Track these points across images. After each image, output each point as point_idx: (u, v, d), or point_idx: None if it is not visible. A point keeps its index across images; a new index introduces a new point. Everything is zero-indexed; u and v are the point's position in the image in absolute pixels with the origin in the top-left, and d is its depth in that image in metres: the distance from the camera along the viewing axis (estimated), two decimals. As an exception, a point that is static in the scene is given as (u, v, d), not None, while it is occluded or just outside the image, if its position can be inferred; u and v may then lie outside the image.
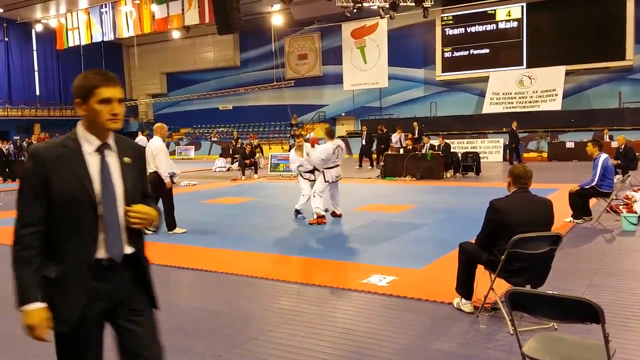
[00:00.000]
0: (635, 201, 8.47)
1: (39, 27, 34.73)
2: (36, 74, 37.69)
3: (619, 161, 11.96)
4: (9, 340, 4.11)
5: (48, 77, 38.18)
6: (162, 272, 6.08)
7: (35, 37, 36.88)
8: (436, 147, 16.87)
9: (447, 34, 30.23)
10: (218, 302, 5.03)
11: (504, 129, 22.76)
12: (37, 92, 37.69)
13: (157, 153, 7.81)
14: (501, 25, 28.88)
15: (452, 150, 17.48)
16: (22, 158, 21.37)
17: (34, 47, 37.43)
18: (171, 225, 8.16)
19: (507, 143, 22.25)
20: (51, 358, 3.82)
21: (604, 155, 8.35)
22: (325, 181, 8.97)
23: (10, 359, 3.85)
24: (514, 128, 20.78)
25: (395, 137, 20.42)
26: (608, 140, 20.14)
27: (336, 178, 9.07)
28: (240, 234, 7.87)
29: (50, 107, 37.46)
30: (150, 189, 2.47)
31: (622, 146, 12.98)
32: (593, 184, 8.20)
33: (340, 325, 4.24)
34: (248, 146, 19.16)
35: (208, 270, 6.06)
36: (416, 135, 19.91)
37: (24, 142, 23.88)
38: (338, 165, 9.10)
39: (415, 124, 21.04)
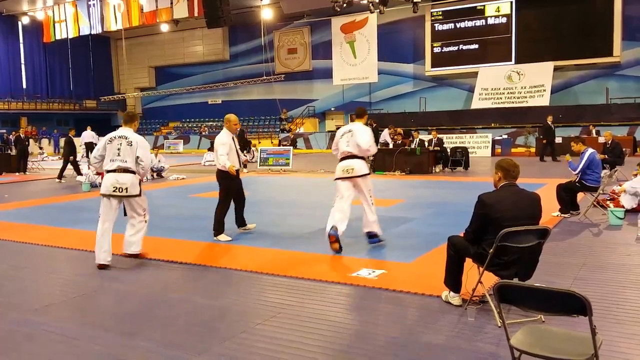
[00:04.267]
0: (623, 191, 8.54)
1: (25, 20, 34.35)
2: (23, 67, 37.30)
3: (606, 156, 12.07)
4: (7, 340, 4.09)
5: (35, 70, 37.80)
6: (152, 266, 6.06)
7: (21, 29, 36.46)
8: (427, 143, 16.87)
9: (436, 29, 30.30)
10: (207, 296, 5.02)
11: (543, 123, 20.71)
12: (24, 86, 37.30)
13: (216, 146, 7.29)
14: (490, 21, 29.01)
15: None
16: (9, 152, 21.10)
17: (21, 40, 37.02)
18: (218, 228, 7.23)
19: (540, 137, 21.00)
20: (44, 353, 3.78)
21: (590, 150, 8.45)
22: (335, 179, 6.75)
23: (6, 354, 3.82)
24: (549, 122, 19.33)
25: (384, 134, 20.39)
26: (595, 135, 20.28)
27: (345, 173, 6.58)
28: (228, 228, 7.84)
29: (37, 101, 37.09)
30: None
31: (609, 142, 13.08)
32: (575, 172, 8.34)
33: (330, 319, 4.24)
34: None
35: (197, 263, 6.04)
36: (400, 130, 19.83)
37: (11, 135, 23.59)
38: (349, 157, 6.59)
39: (390, 126, 20.79)
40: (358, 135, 6.54)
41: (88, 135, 24.11)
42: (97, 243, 5.88)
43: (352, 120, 7.16)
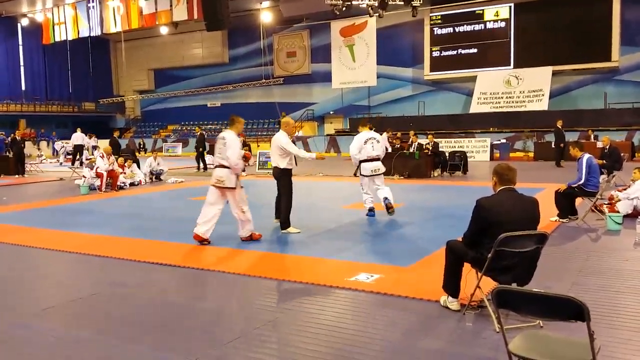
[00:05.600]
0: (619, 200, 8.56)
1: (24, 22, 34.34)
2: (22, 69, 37.28)
3: (604, 161, 12.08)
4: (5, 343, 4.08)
5: (34, 72, 37.77)
6: (151, 269, 6.05)
7: (21, 31, 36.44)
8: (424, 146, 16.90)
9: (435, 33, 30.36)
10: (203, 300, 5.01)
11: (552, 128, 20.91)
12: (23, 88, 37.27)
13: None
14: (489, 25, 29.07)
15: (440, 149, 17.52)
16: (8, 154, 21.04)
17: (20, 42, 37.02)
18: (285, 222, 8.00)
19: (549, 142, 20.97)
20: (43, 357, 3.79)
21: (587, 155, 8.43)
22: (360, 174, 9.09)
23: (5, 358, 3.82)
24: (560, 127, 19.38)
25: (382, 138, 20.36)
26: (593, 140, 20.30)
27: (372, 172, 8.91)
28: (226, 231, 7.84)
29: (36, 103, 37.06)
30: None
31: (607, 146, 13.10)
32: (581, 182, 8.28)
33: (327, 323, 4.24)
34: None
35: (193, 267, 6.03)
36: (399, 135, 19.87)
37: (9, 138, 23.53)
38: (375, 159, 8.93)
39: (388, 130, 20.82)
40: (385, 143, 8.88)
41: (78, 137, 23.81)
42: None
43: (366, 128, 9.18)
